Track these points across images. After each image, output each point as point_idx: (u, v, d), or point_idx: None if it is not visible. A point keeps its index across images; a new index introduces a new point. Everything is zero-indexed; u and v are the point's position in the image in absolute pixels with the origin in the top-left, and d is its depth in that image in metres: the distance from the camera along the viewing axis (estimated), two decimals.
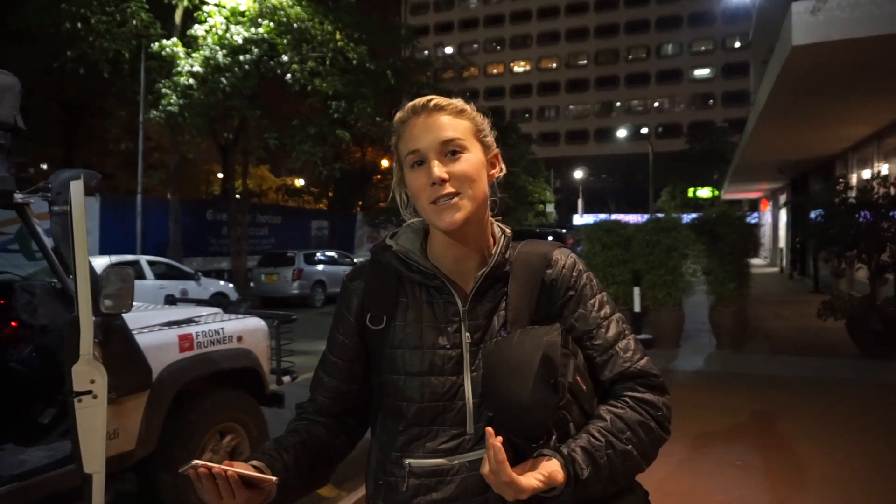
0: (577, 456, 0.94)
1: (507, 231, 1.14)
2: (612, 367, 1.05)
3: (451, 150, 1.04)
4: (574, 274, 1.11)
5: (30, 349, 2.87)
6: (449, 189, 1.02)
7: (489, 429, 0.91)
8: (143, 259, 12.07)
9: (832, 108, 8.31)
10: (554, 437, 0.95)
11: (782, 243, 21.65)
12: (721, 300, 8.16)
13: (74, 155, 24.28)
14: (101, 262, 10.61)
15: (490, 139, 1.12)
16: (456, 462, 1.04)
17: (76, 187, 2.10)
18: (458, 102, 1.10)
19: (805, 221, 9.78)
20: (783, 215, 20.92)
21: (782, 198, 21.95)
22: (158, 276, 11.94)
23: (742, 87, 45.81)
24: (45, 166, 25.98)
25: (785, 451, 4.46)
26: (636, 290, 8.31)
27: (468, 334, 1.06)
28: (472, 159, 1.05)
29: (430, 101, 1.07)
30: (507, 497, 0.91)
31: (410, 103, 1.09)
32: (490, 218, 1.13)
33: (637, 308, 8.35)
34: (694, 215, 9.00)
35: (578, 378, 0.99)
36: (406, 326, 1.08)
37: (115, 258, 11.48)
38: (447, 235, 1.07)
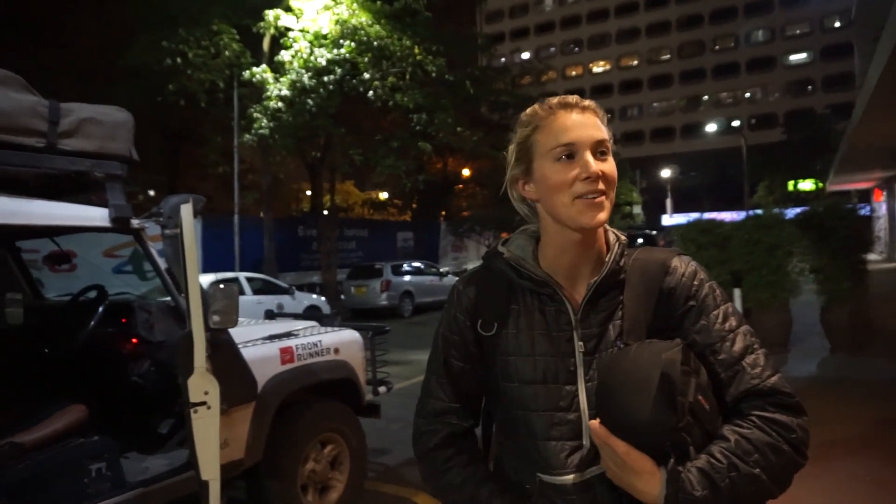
0: (690, 475, 0.89)
1: (622, 237, 1.11)
2: (738, 384, 0.98)
3: (601, 150, 1.03)
4: (695, 283, 1.05)
5: (148, 364, 3.07)
6: (600, 186, 1.01)
7: (593, 423, 0.93)
8: (242, 276, 12.73)
9: None
10: (672, 461, 0.90)
11: None
12: (834, 300, 7.57)
13: (177, 180, 26.11)
14: (204, 280, 11.31)
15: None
16: (584, 477, 1.01)
17: (186, 211, 2.23)
18: (601, 109, 1.09)
19: None
20: None
21: None
22: (256, 292, 12.55)
23: (845, 70, 42.67)
24: (152, 192, 28.09)
25: None
26: (736, 292, 7.84)
27: (581, 343, 1.04)
28: (614, 164, 1.05)
29: (579, 99, 1.07)
30: (629, 490, 0.93)
31: (556, 98, 1.08)
32: (606, 225, 1.10)
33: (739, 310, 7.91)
34: (797, 210, 8.42)
35: (701, 397, 0.94)
36: (518, 334, 1.07)
37: (216, 276, 12.20)
38: (574, 235, 1.04)
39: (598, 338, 1.04)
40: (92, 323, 3.07)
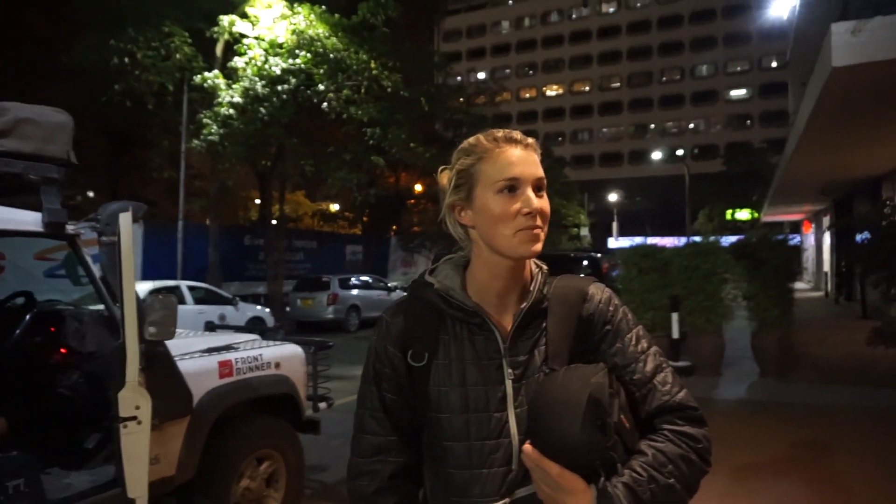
0: (618, 491, 0.93)
1: (544, 267, 1.16)
2: (651, 401, 1.04)
3: (539, 187, 1.07)
4: (611, 308, 1.11)
5: (77, 375, 2.95)
6: (538, 221, 1.05)
7: (527, 447, 0.96)
8: (184, 284, 12.34)
9: (875, 128, 8.09)
10: (602, 479, 0.94)
11: (826, 267, 21.00)
12: (764, 326, 7.94)
13: (119, 183, 25.22)
14: (143, 287, 10.91)
15: None
16: (509, 500, 1.04)
17: (125, 219, 2.18)
18: (539, 148, 1.13)
19: (851, 245, 9.47)
20: (827, 238, 20.33)
21: (826, 220, 21.35)
22: (198, 301, 12.18)
23: (780, 107, 44.92)
24: (91, 194, 27.01)
25: (834, 485, 4.28)
26: (674, 316, 8.15)
27: (510, 370, 1.06)
28: (547, 200, 1.09)
29: (523, 136, 1.11)
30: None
31: (500, 132, 1.11)
32: None
33: (676, 334, 8.18)
34: (733, 238, 8.81)
35: (622, 416, 0.98)
36: (449, 364, 1.08)
37: (156, 284, 11.81)
38: (505, 266, 1.08)
39: (526, 364, 1.07)
40: (17, 332, 2.93)
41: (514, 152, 1.07)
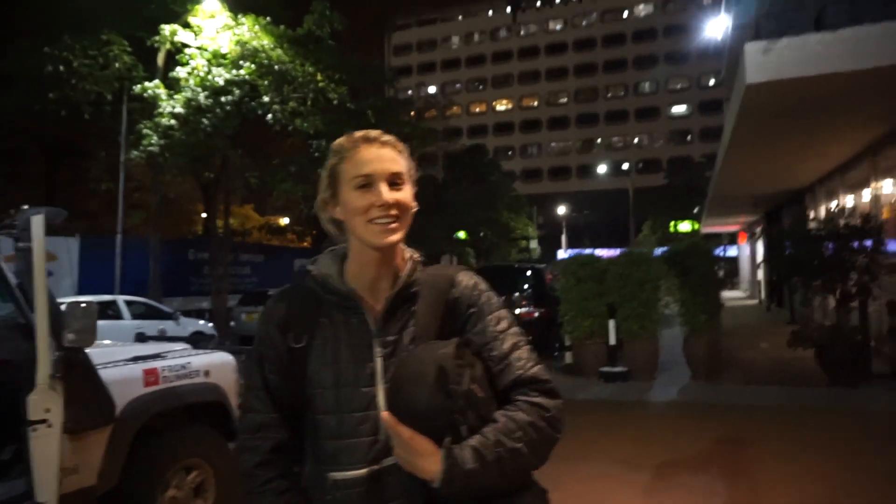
0: (464, 452, 1.02)
1: (416, 256, 1.25)
2: (507, 375, 1.14)
3: (395, 182, 1.17)
4: (475, 293, 1.22)
5: None
6: (392, 212, 1.14)
7: (384, 414, 1.04)
8: (121, 299, 12.01)
9: (794, 143, 8.63)
10: (448, 440, 1.04)
11: (760, 275, 21.97)
12: (693, 332, 8.28)
13: (55, 196, 24.26)
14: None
15: (414, 179, 1.24)
16: (375, 468, 1.13)
17: (37, 223, 2.18)
18: (400, 143, 1.23)
19: (776, 253, 10.00)
20: (760, 248, 21.30)
21: (758, 230, 22.38)
22: (136, 317, 11.86)
23: (718, 123, 46.94)
24: (26, 207, 25.88)
25: (748, 476, 4.52)
26: (611, 323, 8.42)
27: (380, 349, 1.16)
28: (408, 193, 1.19)
29: (380, 135, 1.21)
30: (416, 471, 1.04)
31: (360, 133, 1.21)
32: (402, 245, 1.24)
33: (612, 340, 8.44)
34: (665, 248, 9.18)
35: (475, 386, 1.08)
36: (325, 344, 1.17)
37: (91, 298, 11.43)
38: (372, 254, 1.17)
39: (395, 344, 1.16)
40: None
41: (369, 151, 1.17)
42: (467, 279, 1.24)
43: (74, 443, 2.91)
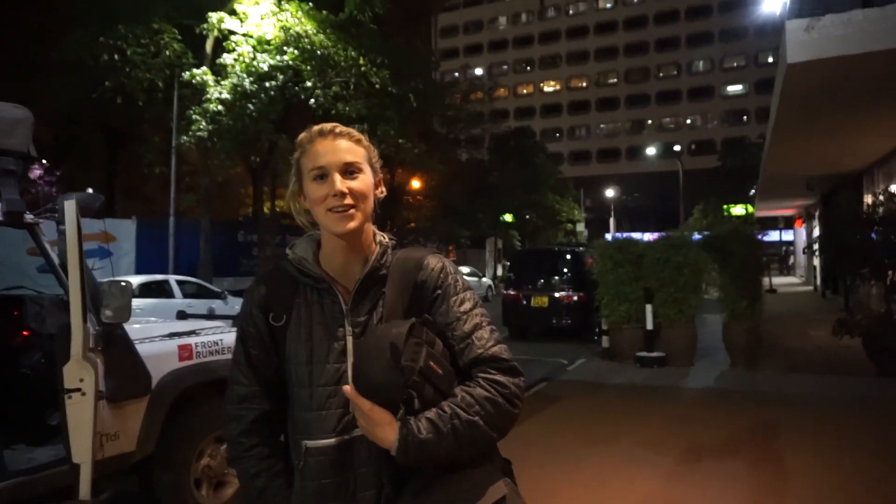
0: (419, 423, 1.10)
1: (386, 240, 1.32)
2: (468, 353, 1.21)
3: (350, 171, 1.24)
4: (442, 275, 1.28)
5: (39, 356, 3.13)
6: (347, 201, 1.21)
7: (346, 387, 1.13)
8: (172, 279, 12.53)
9: (841, 123, 8.25)
10: (402, 411, 1.12)
11: (816, 261, 21.16)
12: (734, 317, 8.11)
13: (116, 179, 25.35)
14: (135, 281, 11.09)
15: (377, 165, 1.31)
16: (345, 437, 1.22)
17: (69, 207, 2.36)
18: (356, 132, 1.30)
19: (827, 238, 9.64)
20: (816, 233, 20.48)
21: (816, 214, 21.50)
22: (187, 296, 12.37)
23: None
24: (90, 190, 27.13)
25: (776, 464, 4.46)
26: (648, 308, 8.33)
27: (350, 328, 1.24)
28: (366, 180, 1.26)
29: (334, 127, 1.28)
30: (375, 440, 1.13)
31: (317, 126, 1.29)
32: (373, 229, 1.31)
33: (649, 325, 8.35)
34: (706, 232, 8.98)
35: (433, 363, 1.15)
36: (300, 323, 1.26)
37: (144, 278, 12.00)
38: (339, 240, 1.25)
39: (365, 324, 1.24)
40: None
41: (324, 143, 1.25)
42: (434, 262, 1.30)
43: (115, 411, 3.13)
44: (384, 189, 1.33)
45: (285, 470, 1.28)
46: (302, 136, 1.29)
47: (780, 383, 7.18)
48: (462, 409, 1.13)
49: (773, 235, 31.05)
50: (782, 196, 20.11)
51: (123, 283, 3.03)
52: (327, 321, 1.26)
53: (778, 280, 24.16)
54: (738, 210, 40.94)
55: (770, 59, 53.10)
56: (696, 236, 8.82)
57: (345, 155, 1.24)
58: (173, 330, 3.77)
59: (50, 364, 3.19)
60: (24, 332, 3.17)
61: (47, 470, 2.90)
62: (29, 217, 2.88)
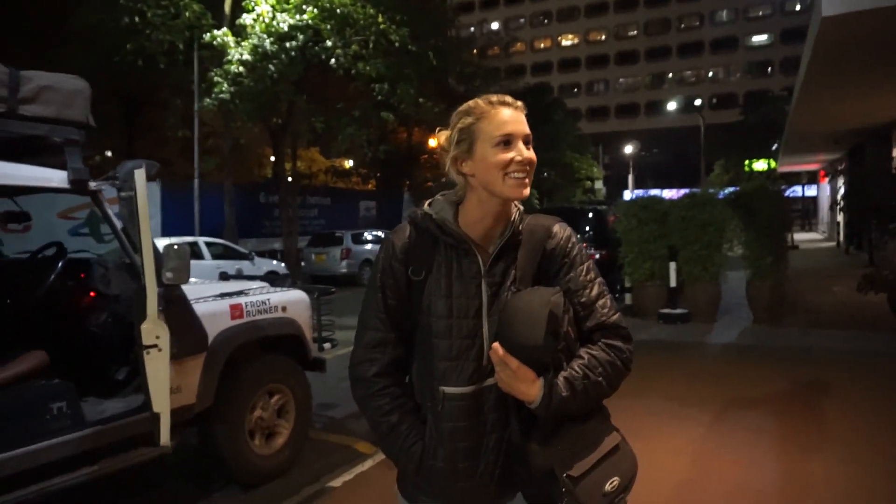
0: (559, 382, 1.26)
1: (521, 208, 1.44)
2: (592, 319, 1.36)
3: (527, 142, 1.36)
4: (569, 245, 1.41)
5: (105, 315, 3.33)
6: (528, 168, 1.34)
7: (495, 345, 1.27)
8: (201, 240, 12.81)
9: (874, 76, 8.10)
10: (552, 373, 1.27)
11: (839, 217, 20.93)
12: (757, 274, 8.17)
13: (135, 144, 25.56)
14: (162, 244, 11.30)
15: None
16: (479, 386, 1.36)
17: (140, 175, 2.50)
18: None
19: (854, 192, 9.58)
20: (841, 188, 20.19)
21: (840, 168, 21.15)
22: (215, 257, 12.67)
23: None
24: (109, 154, 27.43)
25: (800, 415, 4.61)
26: (672, 265, 8.41)
27: (486, 288, 1.37)
28: (533, 152, 1.38)
29: (515, 100, 1.39)
30: (516, 394, 1.27)
31: (495, 96, 1.39)
32: None
33: (673, 283, 8.45)
34: (731, 189, 8.96)
35: (570, 328, 1.31)
36: (440, 279, 1.38)
37: (175, 239, 12.27)
38: (494, 205, 1.36)
39: (499, 285, 1.36)
40: (52, 276, 3.31)
41: (507, 112, 1.35)
42: (562, 231, 1.42)
43: (176, 367, 3.33)
44: None
45: (414, 408, 1.43)
46: (479, 102, 1.38)
47: (804, 339, 7.28)
48: (590, 370, 1.29)
49: (797, 190, 30.58)
50: (807, 151, 19.79)
51: (179, 246, 3.20)
52: (465, 279, 1.37)
53: (800, 236, 23.98)
54: (759, 165, 40.26)
55: (797, 7, 51.31)
56: (722, 193, 8.80)
57: (526, 127, 1.35)
58: (224, 290, 3.95)
59: (116, 323, 3.41)
60: (91, 294, 3.36)
61: (120, 420, 3.13)
62: (93, 185, 3.03)
